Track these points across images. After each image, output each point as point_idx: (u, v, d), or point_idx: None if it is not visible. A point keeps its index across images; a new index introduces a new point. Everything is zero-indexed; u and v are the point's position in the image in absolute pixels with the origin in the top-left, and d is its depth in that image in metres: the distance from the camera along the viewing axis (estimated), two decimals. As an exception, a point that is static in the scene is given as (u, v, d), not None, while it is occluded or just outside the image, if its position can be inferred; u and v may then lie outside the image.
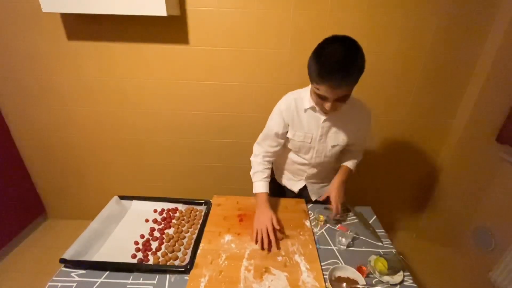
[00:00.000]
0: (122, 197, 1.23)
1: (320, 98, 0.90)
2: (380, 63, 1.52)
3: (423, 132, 1.72)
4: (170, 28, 1.46)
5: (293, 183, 1.29)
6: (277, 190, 1.33)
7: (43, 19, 1.45)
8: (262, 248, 0.98)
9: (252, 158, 1.18)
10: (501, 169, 1.62)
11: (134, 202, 1.23)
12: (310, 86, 0.99)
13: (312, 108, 1.02)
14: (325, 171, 1.23)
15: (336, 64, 0.79)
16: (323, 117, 1.02)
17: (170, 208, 1.20)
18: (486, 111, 1.54)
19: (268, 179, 1.16)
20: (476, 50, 1.48)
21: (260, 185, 1.13)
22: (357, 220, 1.19)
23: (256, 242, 1.00)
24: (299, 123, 1.05)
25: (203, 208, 1.21)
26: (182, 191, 1.97)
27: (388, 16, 1.41)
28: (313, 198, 1.29)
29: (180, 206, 1.22)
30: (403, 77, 1.56)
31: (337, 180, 1.15)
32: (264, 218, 1.02)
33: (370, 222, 1.17)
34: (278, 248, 1.00)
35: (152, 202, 1.23)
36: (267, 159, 1.16)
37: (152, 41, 1.50)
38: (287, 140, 1.12)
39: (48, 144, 1.81)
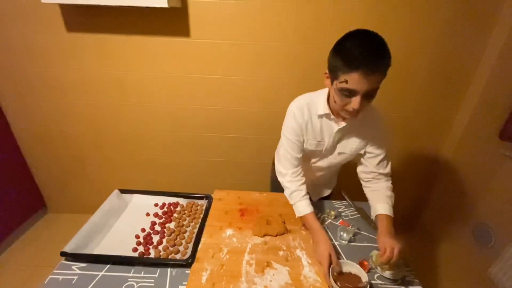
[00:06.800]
0: (122, 191, 1.22)
1: (346, 96, 0.80)
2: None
3: (425, 128, 1.71)
4: (171, 20, 1.44)
5: None
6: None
7: (42, 11, 1.42)
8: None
9: (280, 179, 1.07)
10: (502, 166, 1.61)
11: (135, 196, 1.23)
12: (323, 90, 0.95)
13: (327, 116, 0.95)
14: (329, 174, 1.23)
15: (370, 46, 0.74)
16: (337, 126, 0.96)
17: (171, 202, 1.20)
18: (489, 108, 1.52)
19: (308, 196, 1.03)
20: (480, 46, 1.47)
21: (302, 205, 1.01)
22: (358, 215, 1.18)
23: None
24: (312, 129, 0.98)
25: (204, 202, 1.21)
26: (183, 185, 1.97)
27: (393, 11, 1.39)
28: (314, 199, 1.28)
29: (181, 200, 1.21)
30: (406, 73, 1.54)
31: (383, 232, 0.96)
32: (322, 250, 0.89)
33: (371, 217, 1.16)
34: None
35: (153, 196, 1.22)
36: (296, 172, 1.04)
37: (152, 34, 1.48)
38: None
39: (48, 137, 1.80)
